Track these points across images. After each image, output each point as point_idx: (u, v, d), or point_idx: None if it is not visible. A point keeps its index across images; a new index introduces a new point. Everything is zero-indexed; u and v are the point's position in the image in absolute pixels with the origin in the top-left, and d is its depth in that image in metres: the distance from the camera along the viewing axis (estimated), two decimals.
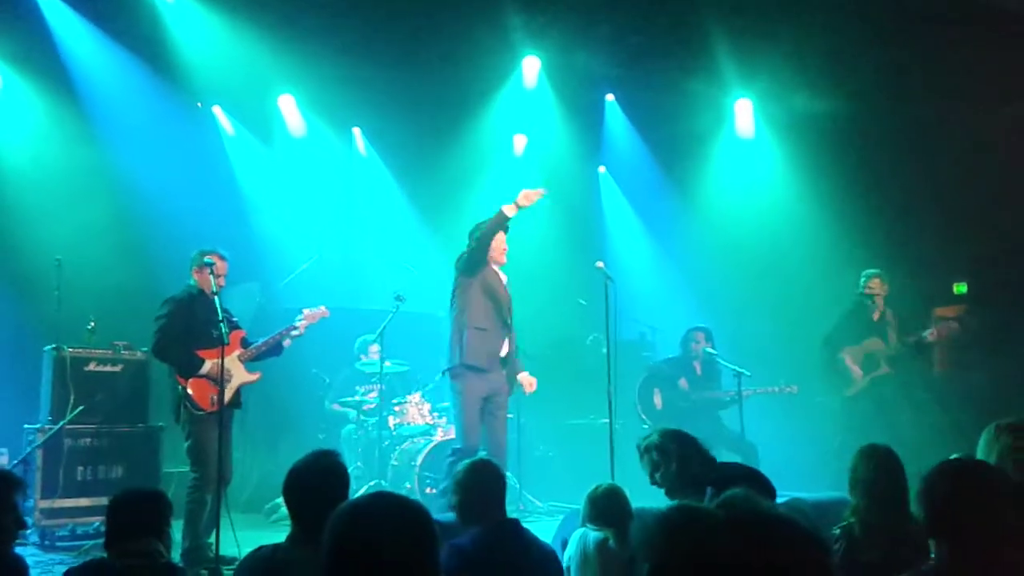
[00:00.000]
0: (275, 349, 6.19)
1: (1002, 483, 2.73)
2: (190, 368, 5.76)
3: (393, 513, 1.66)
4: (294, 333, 6.18)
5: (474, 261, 6.22)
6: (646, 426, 8.19)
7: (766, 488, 3.42)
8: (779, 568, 1.48)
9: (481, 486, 3.55)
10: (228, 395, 5.81)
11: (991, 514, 2.57)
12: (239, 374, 5.96)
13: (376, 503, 1.68)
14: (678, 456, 3.89)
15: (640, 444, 4.10)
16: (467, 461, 3.74)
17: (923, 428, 7.10)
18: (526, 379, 6.47)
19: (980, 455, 3.39)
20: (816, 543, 1.55)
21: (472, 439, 6.15)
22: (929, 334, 7.52)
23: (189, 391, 5.73)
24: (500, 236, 6.36)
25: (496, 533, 3.38)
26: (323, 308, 6.39)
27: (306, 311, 6.30)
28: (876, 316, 7.82)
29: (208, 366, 5.74)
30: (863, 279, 7.84)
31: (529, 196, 6.05)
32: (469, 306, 6.24)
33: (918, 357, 7.52)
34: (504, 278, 6.47)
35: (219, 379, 5.63)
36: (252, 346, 6.08)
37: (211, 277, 5.69)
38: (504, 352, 6.35)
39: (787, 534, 1.53)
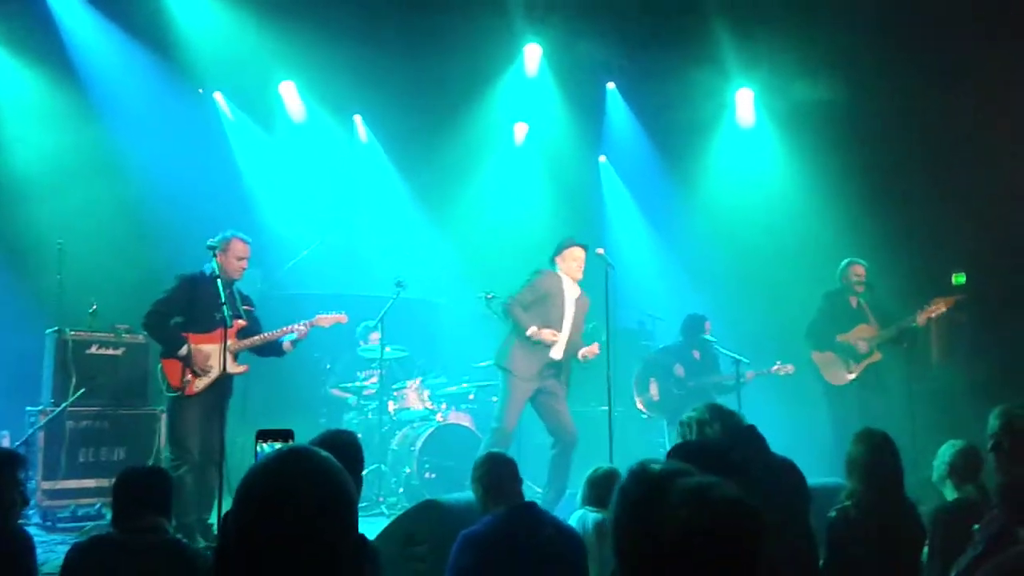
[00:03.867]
0: (275, 349, 6.22)
1: None
2: (170, 347, 5.85)
3: (302, 466, 1.66)
4: (292, 335, 6.17)
5: None
6: (645, 417, 8.25)
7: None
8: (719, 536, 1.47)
9: (493, 477, 3.68)
10: (206, 382, 5.85)
11: None
12: (228, 364, 5.93)
13: (286, 457, 1.67)
14: (698, 425, 3.78)
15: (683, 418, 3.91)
16: (480, 456, 3.88)
17: (895, 417, 7.14)
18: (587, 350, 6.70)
19: None
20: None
21: (507, 421, 6.49)
22: (919, 318, 7.54)
23: (163, 369, 5.84)
24: (573, 254, 6.76)
25: (510, 517, 3.46)
26: (344, 315, 6.46)
27: (320, 316, 6.33)
28: (854, 304, 7.88)
29: (185, 349, 5.81)
30: (844, 266, 7.89)
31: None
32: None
33: (901, 345, 7.54)
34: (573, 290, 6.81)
35: (201, 364, 5.77)
36: (247, 339, 6.09)
37: (218, 261, 5.73)
38: (558, 357, 6.65)
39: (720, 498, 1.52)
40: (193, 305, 5.85)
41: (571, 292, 6.76)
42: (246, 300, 6.25)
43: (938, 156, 8.65)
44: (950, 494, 4.08)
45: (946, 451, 4.15)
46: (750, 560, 1.48)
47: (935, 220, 8.72)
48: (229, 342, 5.93)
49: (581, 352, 6.69)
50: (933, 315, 7.50)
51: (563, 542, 3.47)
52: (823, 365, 7.81)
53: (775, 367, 7.72)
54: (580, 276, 6.81)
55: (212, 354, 5.86)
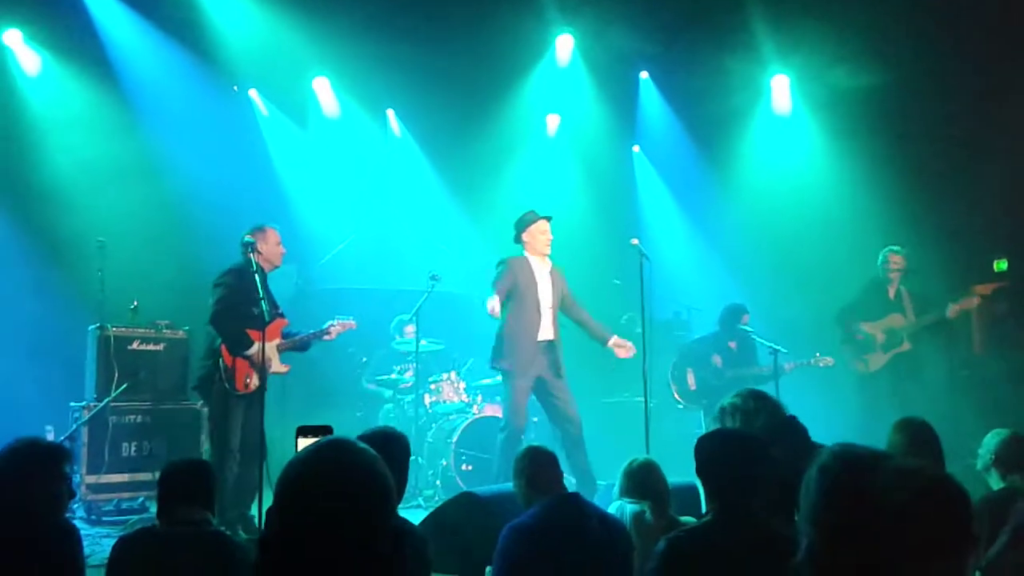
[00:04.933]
0: (302, 346, 6.26)
1: None
2: (239, 345, 5.79)
3: (341, 457, 1.68)
4: (325, 338, 6.23)
5: None
6: (681, 407, 8.21)
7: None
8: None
9: (536, 469, 3.68)
10: (260, 381, 5.84)
11: None
12: (275, 363, 5.97)
13: (324, 449, 1.70)
14: (743, 415, 3.70)
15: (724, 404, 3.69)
16: (521, 449, 3.88)
17: (935, 404, 7.05)
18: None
19: None
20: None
21: (514, 421, 6.47)
22: (950, 311, 7.47)
23: (230, 369, 5.78)
24: (540, 228, 6.67)
25: (555, 506, 3.46)
26: (352, 321, 6.40)
27: (339, 321, 6.29)
28: (892, 293, 7.82)
29: (255, 348, 5.78)
30: (883, 255, 7.84)
31: None
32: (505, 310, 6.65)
33: (938, 334, 7.43)
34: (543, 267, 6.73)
35: (259, 362, 5.72)
36: (288, 339, 6.12)
37: (254, 254, 5.76)
38: (546, 337, 6.59)
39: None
40: (243, 300, 5.77)
41: (541, 271, 6.70)
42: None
43: (978, 141, 8.50)
44: (995, 483, 4.02)
45: (991, 440, 4.09)
46: (963, 536, 1.55)
47: (975, 206, 8.58)
48: (277, 341, 6.00)
49: (613, 342, 6.72)
50: (965, 308, 7.41)
51: (608, 532, 3.46)
52: (851, 348, 7.79)
53: (814, 359, 7.65)
54: (548, 251, 6.73)
55: (270, 353, 5.86)
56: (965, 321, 8.54)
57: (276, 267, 6.14)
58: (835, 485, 1.61)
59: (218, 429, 5.87)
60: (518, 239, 6.76)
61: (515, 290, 6.61)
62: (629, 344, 6.76)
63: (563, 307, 6.75)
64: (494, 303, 6.41)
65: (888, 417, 7.28)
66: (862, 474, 1.58)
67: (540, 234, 6.68)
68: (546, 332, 6.60)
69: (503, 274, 6.65)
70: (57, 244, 8.08)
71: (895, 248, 7.87)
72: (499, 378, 8.34)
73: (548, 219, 6.73)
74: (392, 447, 3.01)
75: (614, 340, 6.79)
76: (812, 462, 1.69)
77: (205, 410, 6.85)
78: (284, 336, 6.12)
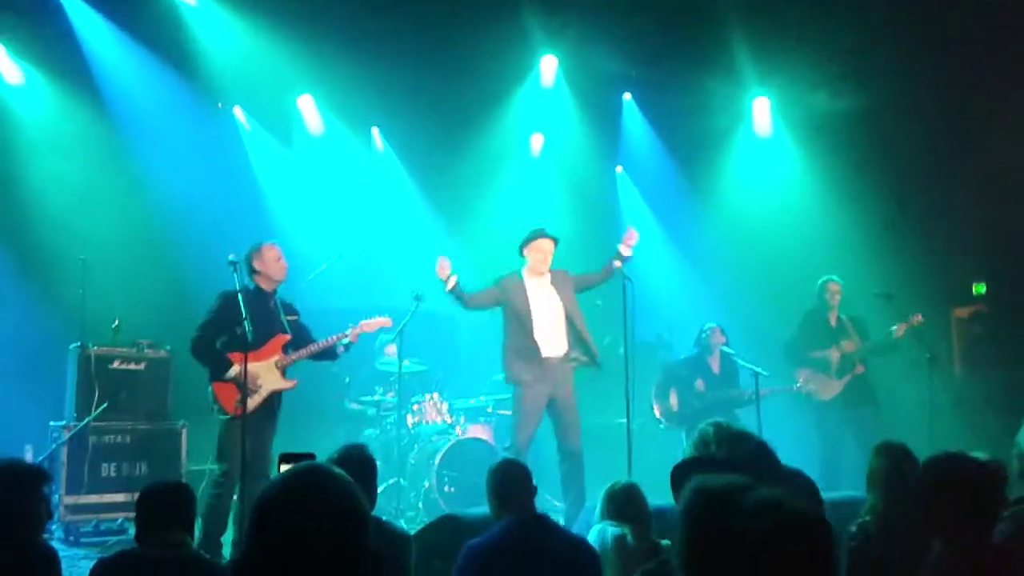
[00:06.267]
0: (328, 353, 6.19)
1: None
2: (219, 370, 5.75)
3: (317, 484, 1.69)
4: (345, 340, 6.14)
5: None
6: (662, 427, 8.22)
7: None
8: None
9: (506, 485, 3.63)
10: (257, 401, 5.76)
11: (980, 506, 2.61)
12: (272, 380, 5.89)
13: (301, 476, 1.71)
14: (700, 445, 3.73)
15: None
16: (495, 462, 3.84)
17: (915, 425, 7.11)
18: None
19: None
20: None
21: (519, 437, 6.47)
22: (896, 331, 7.56)
23: (215, 394, 5.76)
24: (539, 246, 6.69)
25: (518, 528, 3.41)
26: (387, 319, 6.43)
27: (362, 322, 6.25)
28: (833, 321, 7.90)
29: (236, 370, 5.67)
30: (820, 285, 7.95)
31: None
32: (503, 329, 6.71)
33: (929, 356, 7.48)
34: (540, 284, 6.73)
35: (243, 383, 5.62)
36: (293, 352, 6.04)
37: (237, 274, 5.72)
38: (554, 353, 6.56)
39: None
40: (228, 323, 5.71)
41: (538, 289, 6.69)
42: (290, 309, 6.17)
43: (957, 165, 8.61)
44: None
45: None
46: (828, 563, 1.54)
47: (954, 229, 8.68)
48: (276, 358, 5.94)
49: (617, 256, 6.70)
50: (910, 327, 7.49)
51: (575, 556, 3.40)
52: (806, 381, 7.82)
53: (797, 385, 7.70)
54: (544, 270, 6.71)
55: (260, 372, 5.79)
56: (946, 343, 8.63)
57: (280, 282, 6.08)
58: (697, 524, 1.60)
59: (220, 452, 5.78)
60: (520, 254, 6.79)
61: (508, 307, 6.65)
62: (630, 235, 6.79)
63: (579, 290, 6.80)
64: (446, 272, 6.49)
65: (845, 443, 7.42)
66: (722, 509, 1.57)
67: (538, 251, 6.69)
68: (553, 348, 6.58)
69: (486, 289, 6.73)
70: (38, 261, 8.02)
71: (832, 277, 8.01)
72: (483, 398, 8.41)
73: (551, 239, 6.72)
74: (356, 468, 3.01)
75: (617, 255, 6.73)
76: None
77: (185, 431, 6.82)
78: (285, 350, 6.03)
